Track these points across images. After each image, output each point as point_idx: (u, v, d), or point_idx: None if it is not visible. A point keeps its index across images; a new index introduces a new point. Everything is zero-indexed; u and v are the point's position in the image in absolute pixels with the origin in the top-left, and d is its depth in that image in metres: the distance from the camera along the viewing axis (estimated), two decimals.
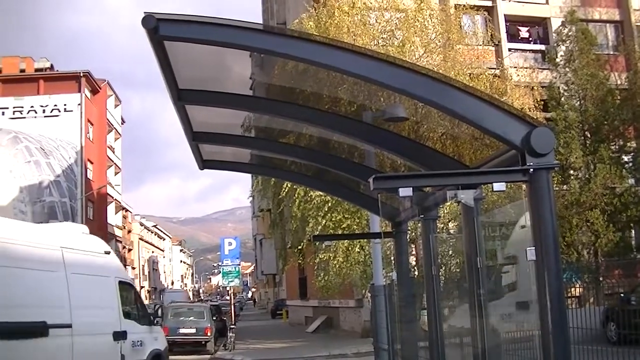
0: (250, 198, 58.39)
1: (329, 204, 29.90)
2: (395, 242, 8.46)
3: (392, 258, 28.72)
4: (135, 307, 17.78)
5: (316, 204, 30.36)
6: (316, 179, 9.78)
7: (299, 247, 34.98)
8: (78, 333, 14.12)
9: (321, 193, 29.77)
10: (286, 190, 32.80)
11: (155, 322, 18.71)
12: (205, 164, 8.51)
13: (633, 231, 37.65)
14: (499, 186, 4.54)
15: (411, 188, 4.42)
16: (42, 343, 13.07)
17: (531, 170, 4.49)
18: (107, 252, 17.09)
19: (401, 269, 8.40)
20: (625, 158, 36.86)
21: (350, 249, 30.56)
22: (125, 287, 17.26)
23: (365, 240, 29.91)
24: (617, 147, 36.33)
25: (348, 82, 8.80)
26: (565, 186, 33.02)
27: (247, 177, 48.35)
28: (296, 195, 31.94)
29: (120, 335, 16.00)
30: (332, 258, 30.77)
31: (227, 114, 7.39)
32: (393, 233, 8.46)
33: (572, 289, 29.71)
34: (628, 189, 34.63)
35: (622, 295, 22.70)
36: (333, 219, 29.47)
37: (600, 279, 33.39)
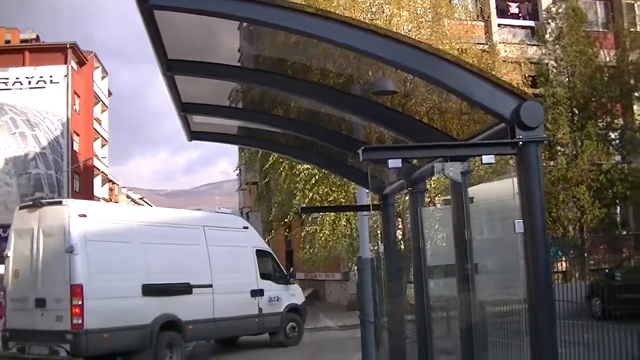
0: (237, 171, 58.00)
1: (316, 177, 29.90)
2: (382, 214, 8.47)
3: (379, 231, 28.88)
4: (272, 270, 23.28)
5: (303, 177, 30.35)
6: (304, 150, 9.77)
7: (285, 220, 35.02)
8: (218, 291, 19.81)
9: (308, 166, 29.77)
10: (273, 163, 32.77)
11: (290, 281, 23.92)
12: (193, 135, 8.49)
13: (618, 208, 37.86)
14: (488, 159, 4.55)
15: (400, 159, 4.42)
16: (188, 298, 18.89)
17: (520, 143, 4.50)
18: (246, 227, 23.21)
19: (388, 242, 8.42)
20: (612, 135, 37.04)
21: (336, 222, 30.61)
22: (263, 253, 22.97)
23: (352, 213, 29.96)
24: (604, 124, 36.47)
25: (337, 55, 8.74)
26: (552, 162, 33.10)
27: (235, 150, 48.18)
28: (282, 168, 31.92)
29: (257, 293, 21.72)
30: (318, 231, 30.81)
31: (215, 85, 7.36)
32: (381, 206, 8.47)
33: (558, 264, 30.00)
34: (614, 166, 34.82)
35: (607, 270, 22.87)
36: (320, 192, 29.52)
37: (586, 254, 33.66)
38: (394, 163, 4.40)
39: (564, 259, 31.41)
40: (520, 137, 4.50)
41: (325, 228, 30.68)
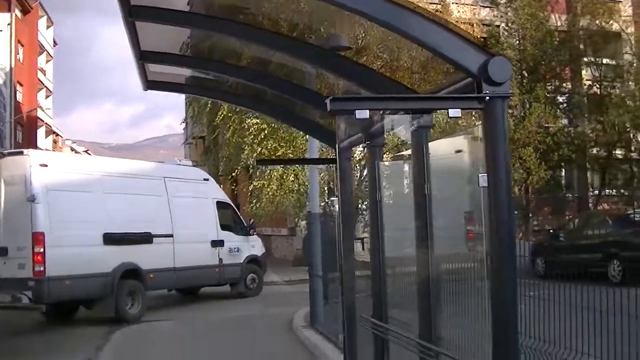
0: (184, 125, 57.56)
1: (265, 132, 29.86)
2: (338, 168, 8.40)
3: (326, 187, 28.94)
4: (233, 221, 23.70)
5: (252, 131, 30.24)
6: (260, 102, 9.67)
7: (233, 174, 34.93)
8: (178, 241, 20.23)
9: (257, 121, 29.67)
10: (221, 117, 32.60)
11: (251, 233, 24.21)
12: (149, 84, 8.34)
13: (563, 170, 38.46)
14: (454, 112, 4.52)
15: (367, 111, 4.38)
16: (149, 248, 19.29)
17: (487, 98, 4.48)
18: (206, 179, 23.58)
19: (344, 197, 8.36)
20: (560, 99, 37.51)
21: (284, 177, 30.64)
22: (223, 205, 23.43)
23: (300, 168, 30.00)
24: (552, 87, 36.87)
25: (296, 4, 8.67)
26: None
27: (181, 104, 47.83)
28: (232, 122, 31.77)
29: (217, 243, 22.21)
30: (266, 186, 30.85)
31: (176, 33, 7.25)
32: (336, 159, 8.41)
33: None
34: (561, 129, 35.33)
35: (551, 231, 23.25)
36: (268, 147, 29.50)
37: (530, 215, 34.19)
38: (361, 114, 4.36)
39: None
40: (487, 92, 4.48)
41: (273, 183, 30.71)
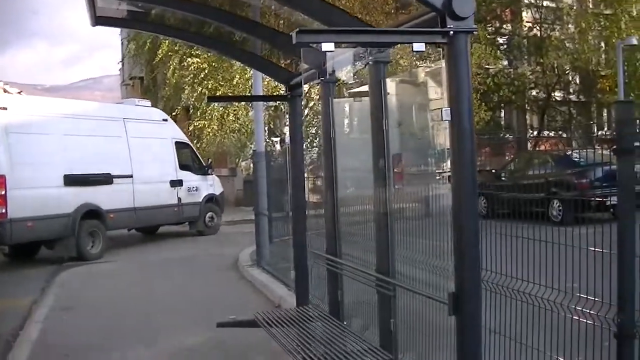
0: (120, 65, 56.64)
1: (205, 72, 29.73)
2: (289, 105, 8.33)
3: (267, 127, 28.83)
4: (191, 161, 24.24)
5: (192, 70, 30.06)
6: (209, 38, 9.53)
7: (172, 114, 34.61)
8: (138, 181, 20.79)
9: (198, 60, 29.42)
10: (161, 56, 32.23)
11: (209, 172, 24.91)
12: (98, 20, 8.13)
13: (503, 111, 38.86)
14: (418, 46, 4.47)
15: (333, 43, 4.32)
16: (109, 188, 19.79)
17: (451, 32, 4.44)
18: (165, 120, 23.84)
19: (295, 134, 8.32)
20: (501, 40, 37.68)
21: (224, 117, 30.55)
22: (182, 145, 23.87)
23: (242, 107, 29.92)
24: (493, 29, 36.99)
25: None
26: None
27: (116, 44, 46.96)
28: (171, 61, 31.48)
29: (176, 183, 22.77)
30: (206, 126, 30.72)
31: None
32: (287, 97, 8.34)
33: (442, 165, 30.60)
34: (501, 70, 35.59)
35: (494, 171, 23.55)
36: (209, 87, 29.41)
37: None
38: (327, 47, 4.30)
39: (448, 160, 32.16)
40: (452, 26, 4.44)
41: (214, 123, 30.61)
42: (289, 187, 9.34)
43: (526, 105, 39.12)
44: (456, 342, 4.39)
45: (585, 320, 4.49)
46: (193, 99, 30.89)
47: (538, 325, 5.01)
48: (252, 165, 19.62)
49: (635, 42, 31.23)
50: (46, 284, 15.19)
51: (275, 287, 12.60)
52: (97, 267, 17.81)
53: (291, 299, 10.29)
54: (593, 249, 4.57)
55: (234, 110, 30.65)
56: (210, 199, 24.55)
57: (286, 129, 31.29)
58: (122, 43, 44.85)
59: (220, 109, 30.39)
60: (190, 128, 31.44)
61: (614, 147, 4.53)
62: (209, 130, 30.57)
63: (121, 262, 18.67)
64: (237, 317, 8.89)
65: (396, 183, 6.04)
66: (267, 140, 27.45)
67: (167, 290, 13.84)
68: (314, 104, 29.14)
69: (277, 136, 32.56)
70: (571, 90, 39.21)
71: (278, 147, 29.92)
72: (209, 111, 30.67)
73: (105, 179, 19.75)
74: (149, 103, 24.49)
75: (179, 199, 22.82)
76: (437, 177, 6.89)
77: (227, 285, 14.10)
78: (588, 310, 4.42)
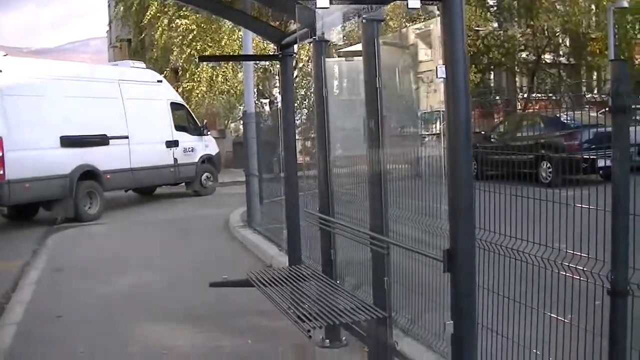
0: (107, 28, 56.27)
1: (194, 33, 29.68)
2: (281, 64, 8.29)
3: (256, 89, 28.76)
4: (187, 122, 24.46)
5: (181, 32, 29.97)
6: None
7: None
8: (134, 142, 21.01)
9: (186, 21, 29.31)
10: (149, 17, 32.06)
11: (205, 133, 25.06)
12: None
13: (492, 73, 38.80)
14: (413, 3, 4.45)
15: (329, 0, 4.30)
16: (105, 149, 20.03)
17: None
18: (160, 81, 23.86)
19: (287, 94, 8.29)
20: (491, 2, 37.53)
21: (213, 78, 30.53)
22: (177, 106, 24.11)
23: (231, 68, 29.85)
24: None
25: None
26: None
27: (103, 6, 46.57)
28: (160, 22, 31.31)
29: (172, 144, 23.02)
30: (195, 88, 30.67)
31: None
32: (279, 56, 8.28)
33: (432, 127, 30.60)
34: (491, 32, 35.47)
35: (483, 133, 23.56)
36: (197, 48, 29.38)
37: None
38: (322, 2, 4.28)
39: (438, 122, 32.19)
40: None
41: (202, 85, 30.58)
42: (280, 148, 9.33)
43: (516, 68, 39.09)
44: (450, 298, 4.41)
45: (578, 278, 4.50)
46: (182, 61, 30.83)
47: (532, 283, 5.02)
48: (241, 126, 19.63)
49: (626, 4, 31.18)
50: (37, 246, 15.20)
51: (267, 247, 12.64)
52: (89, 229, 17.84)
53: (282, 259, 10.34)
54: (587, 206, 4.57)
55: (223, 72, 30.62)
56: (207, 159, 24.88)
57: (275, 91, 31.42)
58: (109, 5, 44.46)
59: (209, 70, 30.32)
60: (179, 90, 31.30)
61: (609, 106, 4.52)
62: (198, 92, 30.57)
63: (113, 223, 18.76)
64: (229, 277, 8.88)
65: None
66: (257, 101, 27.42)
67: (159, 252, 13.87)
68: (303, 65, 29.09)
69: (266, 98, 32.52)
70: (561, 53, 39.17)
71: (267, 108, 29.91)
72: (198, 73, 30.63)
73: (101, 140, 19.95)
74: (143, 65, 24.52)
75: (175, 159, 23.09)
76: (425, 139, 6.87)
77: (219, 246, 14.13)
78: (582, 268, 4.43)
